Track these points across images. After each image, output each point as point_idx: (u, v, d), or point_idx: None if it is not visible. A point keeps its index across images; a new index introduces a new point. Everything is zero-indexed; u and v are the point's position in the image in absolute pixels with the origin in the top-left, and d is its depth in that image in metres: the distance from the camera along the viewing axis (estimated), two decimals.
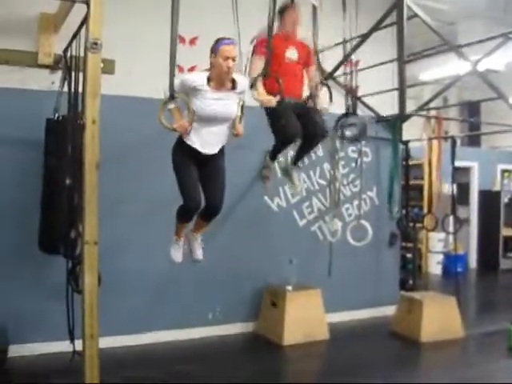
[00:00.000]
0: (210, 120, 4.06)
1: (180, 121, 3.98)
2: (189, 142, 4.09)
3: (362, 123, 5.69)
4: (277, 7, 4.61)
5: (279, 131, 4.69)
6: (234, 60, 3.96)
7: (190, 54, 6.29)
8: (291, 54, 4.83)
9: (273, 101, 4.48)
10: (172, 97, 3.93)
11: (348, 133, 5.97)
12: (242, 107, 4.20)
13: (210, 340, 6.37)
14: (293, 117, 4.66)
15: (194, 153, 4.11)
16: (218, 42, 4.00)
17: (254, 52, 4.75)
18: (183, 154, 4.13)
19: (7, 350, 5.27)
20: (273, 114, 4.65)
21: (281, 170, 5.62)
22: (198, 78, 4.01)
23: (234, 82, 4.10)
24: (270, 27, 4.50)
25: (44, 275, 5.52)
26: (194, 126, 4.03)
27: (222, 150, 4.27)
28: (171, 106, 3.96)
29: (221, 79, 4.02)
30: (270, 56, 4.52)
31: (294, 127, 4.63)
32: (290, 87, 4.71)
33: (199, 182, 4.20)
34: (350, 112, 5.88)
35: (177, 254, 4.56)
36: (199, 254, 4.61)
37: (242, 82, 4.18)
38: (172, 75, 3.93)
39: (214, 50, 4.00)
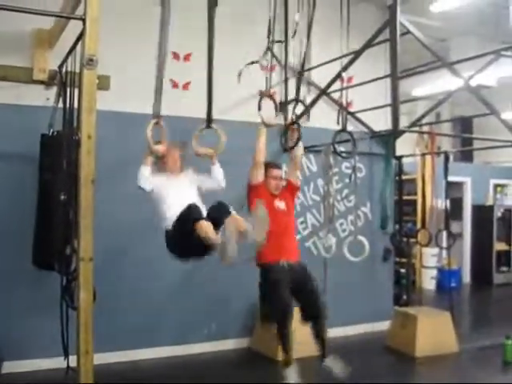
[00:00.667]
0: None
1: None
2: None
3: (354, 139, 5.71)
4: None
5: (267, 305, 4.91)
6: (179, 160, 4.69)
7: (184, 69, 6.34)
8: (279, 204, 5.18)
9: (273, 120, 4.99)
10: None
11: (342, 149, 5.99)
12: None
13: (205, 355, 6.35)
14: (284, 297, 4.80)
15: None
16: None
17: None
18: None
19: (1, 366, 5.25)
20: (264, 284, 4.95)
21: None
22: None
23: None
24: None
25: (38, 291, 5.50)
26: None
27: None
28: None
29: (171, 171, 4.66)
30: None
31: (287, 303, 4.82)
32: (284, 249, 4.99)
33: None
34: (344, 129, 5.88)
35: None
36: None
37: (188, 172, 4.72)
38: (159, 93, 3.98)
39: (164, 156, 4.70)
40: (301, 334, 6.16)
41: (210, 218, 4.17)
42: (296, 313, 4.94)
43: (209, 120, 4.57)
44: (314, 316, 5.02)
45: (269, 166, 5.23)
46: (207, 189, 4.69)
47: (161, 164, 4.62)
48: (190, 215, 4.14)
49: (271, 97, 5.22)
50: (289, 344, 4.86)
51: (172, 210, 4.35)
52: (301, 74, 6.44)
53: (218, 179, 4.70)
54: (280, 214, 5.10)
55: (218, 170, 4.69)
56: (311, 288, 5.01)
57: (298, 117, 5.56)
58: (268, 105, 5.19)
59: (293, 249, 5.19)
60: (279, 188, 5.23)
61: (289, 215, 5.28)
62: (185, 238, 4.18)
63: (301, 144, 5.22)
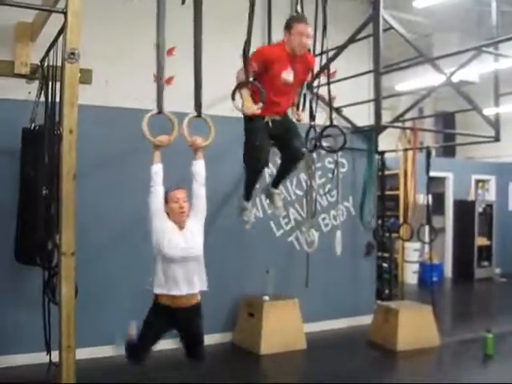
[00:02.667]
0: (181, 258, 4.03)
1: (161, 136, 4.00)
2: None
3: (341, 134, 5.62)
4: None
5: (248, 156, 4.56)
6: (184, 201, 4.06)
7: (168, 64, 6.30)
8: (288, 75, 4.43)
9: (252, 108, 4.29)
10: (160, 112, 3.99)
11: (325, 144, 5.99)
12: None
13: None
14: (265, 144, 4.50)
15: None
16: (166, 192, 4.07)
17: (248, 59, 4.39)
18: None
19: None
20: (247, 132, 4.56)
21: (263, 194, 5.44)
22: (165, 218, 4.06)
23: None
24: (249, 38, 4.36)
25: (20, 286, 5.46)
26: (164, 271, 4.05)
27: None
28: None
29: (179, 220, 4.07)
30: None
31: (264, 157, 4.48)
32: (276, 106, 4.53)
33: None
34: (331, 124, 5.85)
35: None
36: None
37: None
38: (161, 91, 3.94)
39: (166, 199, 4.07)
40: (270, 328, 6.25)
41: None
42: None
43: (198, 109, 4.34)
44: (290, 157, 4.76)
45: (295, 19, 4.46)
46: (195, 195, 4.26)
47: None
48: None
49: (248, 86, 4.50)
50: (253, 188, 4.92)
51: (163, 278, 4.06)
52: None
53: (202, 176, 4.26)
54: (283, 88, 4.46)
55: (202, 166, 4.26)
56: (292, 134, 4.67)
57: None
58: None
59: (286, 104, 4.67)
60: (305, 47, 4.43)
61: (292, 87, 4.58)
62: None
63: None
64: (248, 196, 5.01)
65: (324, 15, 5.45)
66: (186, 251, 3.97)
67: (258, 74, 4.39)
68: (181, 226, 4.04)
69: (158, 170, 4.02)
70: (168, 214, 4.03)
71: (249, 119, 4.52)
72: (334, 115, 7.19)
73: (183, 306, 4.09)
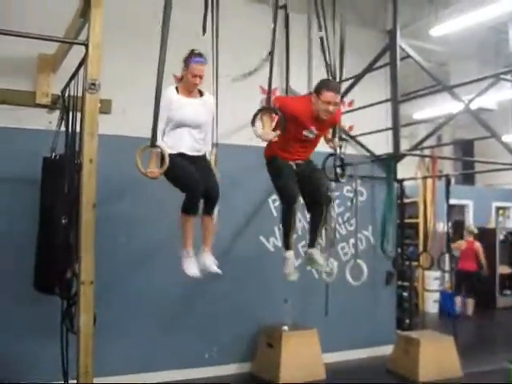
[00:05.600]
0: (182, 125, 4.30)
1: (152, 168, 4.11)
2: (173, 151, 4.23)
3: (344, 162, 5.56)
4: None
5: (279, 191, 4.55)
6: (201, 78, 4.27)
7: None
8: (309, 132, 4.44)
9: (270, 134, 4.30)
10: (153, 145, 4.03)
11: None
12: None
13: (206, 381, 6.30)
14: (291, 178, 4.46)
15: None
16: (191, 56, 4.25)
17: (272, 99, 4.44)
18: (175, 159, 4.21)
19: None
20: (272, 170, 4.57)
21: (308, 265, 4.99)
22: (170, 93, 4.32)
23: (201, 92, 4.45)
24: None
25: (39, 315, 5.47)
26: (172, 133, 4.30)
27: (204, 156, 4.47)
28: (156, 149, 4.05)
29: (188, 90, 4.36)
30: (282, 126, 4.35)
31: (291, 189, 4.41)
32: (297, 154, 4.54)
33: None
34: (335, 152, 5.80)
35: (191, 267, 4.29)
36: (215, 267, 4.39)
37: (208, 96, 4.47)
38: (156, 120, 3.99)
39: (186, 64, 4.28)
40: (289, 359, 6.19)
41: None
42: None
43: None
44: (317, 201, 4.58)
45: (325, 85, 4.37)
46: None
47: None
48: None
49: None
50: (291, 229, 4.61)
51: (175, 138, 4.31)
52: None
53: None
54: (304, 140, 4.47)
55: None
56: (316, 176, 4.63)
57: None
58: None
59: (307, 153, 4.64)
60: (331, 114, 4.36)
61: (313, 141, 4.57)
62: None
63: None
64: (287, 243, 4.70)
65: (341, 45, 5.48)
66: None
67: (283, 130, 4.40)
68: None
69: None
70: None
71: (271, 160, 4.58)
72: (353, 144, 7.24)
73: None
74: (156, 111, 4.01)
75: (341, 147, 5.31)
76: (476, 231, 10.84)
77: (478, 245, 10.59)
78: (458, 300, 10.56)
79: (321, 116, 4.33)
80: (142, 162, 3.99)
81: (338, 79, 5.38)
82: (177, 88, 4.38)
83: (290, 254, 4.66)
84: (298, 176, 4.52)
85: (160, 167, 4.05)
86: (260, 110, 4.42)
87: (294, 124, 4.35)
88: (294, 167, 4.53)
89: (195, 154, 4.37)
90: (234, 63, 6.27)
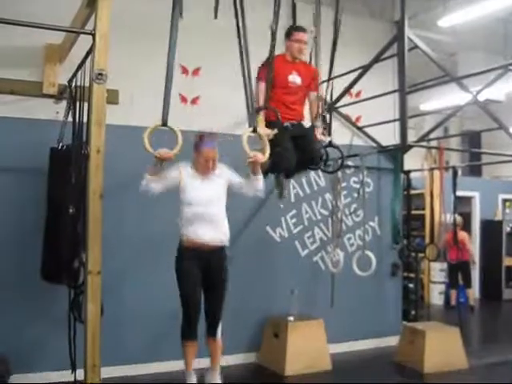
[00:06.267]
0: (199, 205, 4.29)
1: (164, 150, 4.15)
2: (185, 238, 4.31)
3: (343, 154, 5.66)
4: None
5: (273, 157, 4.69)
6: (214, 161, 4.29)
7: (193, 84, 6.36)
8: (294, 78, 5.01)
9: (270, 135, 4.64)
10: (164, 124, 4.03)
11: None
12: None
13: None
14: (288, 148, 4.81)
15: (195, 253, 4.30)
16: (202, 140, 4.30)
17: (257, 77, 4.92)
18: (184, 259, 4.33)
19: (9, 378, 5.23)
20: (271, 141, 4.70)
21: (275, 181, 5.52)
22: (186, 166, 4.39)
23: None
24: (272, 50, 4.72)
25: (46, 304, 5.50)
26: (187, 219, 4.30)
27: (223, 249, 4.47)
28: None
29: (203, 170, 4.38)
30: (269, 81, 4.79)
31: (287, 160, 4.80)
32: (290, 111, 4.95)
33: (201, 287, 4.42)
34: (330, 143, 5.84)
35: None
36: None
37: (221, 167, 4.47)
38: (167, 102, 3.99)
39: (197, 149, 4.32)
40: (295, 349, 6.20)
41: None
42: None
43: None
44: (311, 158, 5.10)
45: (292, 29, 5.19)
46: (238, 193, 4.54)
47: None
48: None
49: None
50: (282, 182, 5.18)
51: (189, 226, 4.30)
52: None
53: (257, 189, 4.51)
54: (293, 89, 5.03)
55: (259, 181, 4.46)
56: (311, 137, 5.08)
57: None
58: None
59: (299, 110, 5.15)
60: (302, 52, 5.10)
61: (301, 90, 5.12)
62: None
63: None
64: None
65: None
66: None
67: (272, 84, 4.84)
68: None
69: (145, 186, 4.24)
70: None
71: (269, 125, 4.85)
72: (360, 135, 7.23)
73: None
74: (167, 92, 3.99)
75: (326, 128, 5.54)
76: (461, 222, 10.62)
77: (463, 234, 10.40)
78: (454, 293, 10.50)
79: (296, 55, 5.03)
80: (150, 143, 3.99)
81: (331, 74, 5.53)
82: (191, 167, 4.44)
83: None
84: (293, 140, 4.92)
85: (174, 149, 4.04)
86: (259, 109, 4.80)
87: (279, 75, 4.90)
88: (290, 127, 4.95)
89: (214, 244, 4.37)
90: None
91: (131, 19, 5.89)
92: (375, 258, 6.54)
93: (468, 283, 10.61)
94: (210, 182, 4.43)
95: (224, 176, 4.51)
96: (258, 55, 4.75)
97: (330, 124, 5.55)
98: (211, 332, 4.59)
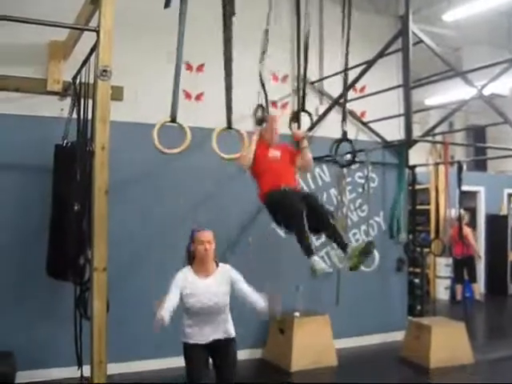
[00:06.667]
0: (205, 311, 4.01)
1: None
2: (191, 341, 4.03)
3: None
4: None
5: (284, 212, 4.79)
6: (210, 243, 3.99)
7: (197, 80, 6.36)
8: (273, 153, 5.05)
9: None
10: (173, 120, 4.03)
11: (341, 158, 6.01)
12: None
13: None
14: (294, 195, 4.82)
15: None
16: (193, 232, 4.07)
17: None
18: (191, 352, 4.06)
19: (15, 375, 5.25)
20: (271, 204, 4.89)
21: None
22: (185, 273, 4.03)
23: (216, 263, 4.14)
24: None
25: (52, 301, 5.52)
26: (190, 324, 4.03)
27: (233, 339, 4.23)
28: None
29: (203, 264, 4.03)
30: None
31: (298, 203, 4.70)
32: (279, 179, 4.91)
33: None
34: (345, 137, 5.85)
35: None
36: None
37: (223, 266, 4.18)
38: (175, 95, 3.98)
39: (192, 239, 4.05)
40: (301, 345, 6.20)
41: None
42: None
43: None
44: (324, 225, 4.96)
45: (266, 117, 5.51)
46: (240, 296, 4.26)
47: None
48: None
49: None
50: (307, 233, 4.83)
51: (190, 329, 4.03)
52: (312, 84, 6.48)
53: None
54: (275, 161, 5.04)
55: (259, 299, 4.27)
56: (313, 198, 5.02)
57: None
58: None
59: (291, 177, 5.13)
60: (275, 134, 5.16)
61: (284, 161, 5.12)
62: None
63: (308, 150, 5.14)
64: (308, 251, 4.97)
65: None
66: None
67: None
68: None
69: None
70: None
71: (267, 198, 4.92)
72: (364, 130, 7.22)
73: None
74: (175, 88, 3.97)
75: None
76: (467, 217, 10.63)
77: (466, 229, 10.40)
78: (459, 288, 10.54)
79: (267, 138, 5.08)
80: (159, 140, 3.99)
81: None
82: (193, 269, 4.08)
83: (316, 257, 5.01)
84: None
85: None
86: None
87: (260, 155, 4.96)
88: (288, 190, 4.89)
89: (220, 337, 4.12)
90: (247, 49, 6.27)
91: (135, 16, 5.90)
92: (379, 254, 6.52)
93: (473, 278, 10.61)
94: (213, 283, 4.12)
95: (226, 278, 4.19)
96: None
97: (344, 115, 5.53)
98: None
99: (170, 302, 3.82)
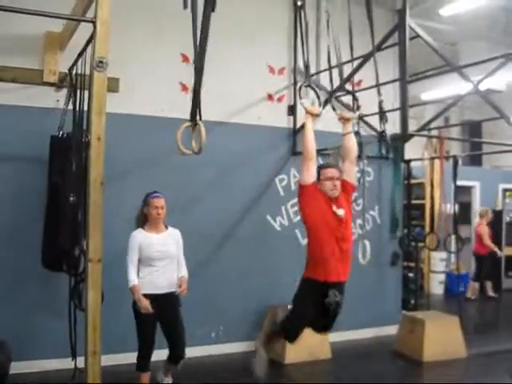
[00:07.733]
0: (155, 261, 4.64)
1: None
2: (145, 291, 4.60)
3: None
4: None
5: (296, 315, 4.79)
6: (162, 208, 4.68)
7: (192, 74, 6.34)
8: (338, 212, 4.52)
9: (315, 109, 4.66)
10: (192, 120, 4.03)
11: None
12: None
13: (212, 358, 6.35)
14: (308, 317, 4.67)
15: (152, 301, 4.57)
16: (148, 195, 4.73)
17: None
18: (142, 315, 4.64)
19: (9, 366, 5.25)
20: (303, 294, 4.80)
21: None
22: (137, 233, 4.72)
23: (166, 227, 4.86)
24: None
25: (47, 292, 5.52)
26: (143, 275, 4.65)
27: (177, 297, 4.81)
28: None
29: (155, 226, 4.74)
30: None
31: (310, 321, 4.70)
32: (340, 267, 4.71)
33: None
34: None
35: None
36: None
37: (173, 229, 4.88)
38: (196, 95, 3.95)
39: (146, 202, 4.73)
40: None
41: None
42: None
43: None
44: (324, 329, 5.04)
45: (321, 167, 4.59)
46: None
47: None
48: None
49: (310, 86, 5.00)
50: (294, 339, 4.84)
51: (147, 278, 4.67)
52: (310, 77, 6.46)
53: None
54: (339, 223, 4.51)
55: (182, 270, 4.99)
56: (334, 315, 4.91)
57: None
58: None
59: (345, 271, 4.81)
60: (337, 189, 4.49)
61: (347, 227, 4.63)
62: None
63: (352, 135, 4.81)
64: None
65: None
66: None
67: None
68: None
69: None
70: None
71: (308, 283, 4.73)
72: (360, 123, 7.21)
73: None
74: (196, 87, 3.95)
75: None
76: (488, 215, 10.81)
77: (480, 228, 10.58)
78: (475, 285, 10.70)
79: (330, 195, 4.46)
80: (182, 143, 3.96)
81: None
82: (144, 227, 4.77)
83: None
84: (322, 306, 4.61)
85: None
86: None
87: (321, 205, 4.46)
88: (327, 293, 4.60)
89: (168, 291, 4.70)
90: (244, 41, 6.27)
91: (132, 7, 5.87)
92: (370, 248, 6.56)
93: (476, 276, 10.73)
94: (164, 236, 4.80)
95: (176, 239, 4.87)
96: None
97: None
98: (171, 367, 5.13)
99: (135, 269, 4.62)
